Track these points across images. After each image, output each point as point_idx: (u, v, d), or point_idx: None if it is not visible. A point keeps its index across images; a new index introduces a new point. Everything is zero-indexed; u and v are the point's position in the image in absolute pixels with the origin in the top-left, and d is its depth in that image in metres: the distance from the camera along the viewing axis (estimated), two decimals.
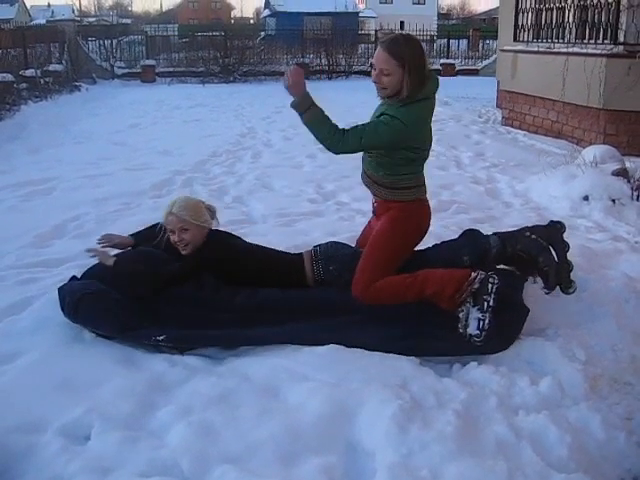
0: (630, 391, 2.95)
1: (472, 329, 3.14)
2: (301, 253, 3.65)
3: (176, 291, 3.43)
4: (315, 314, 3.33)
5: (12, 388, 2.85)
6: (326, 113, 3.29)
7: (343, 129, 3.27)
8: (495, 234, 3.55)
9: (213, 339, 3.24)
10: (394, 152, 3.32)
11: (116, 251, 3.75)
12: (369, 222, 3.74)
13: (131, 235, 3.86)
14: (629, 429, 2.63)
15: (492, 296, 3.16)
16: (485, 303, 3.16)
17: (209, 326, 3.28)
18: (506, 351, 3.14)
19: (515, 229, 3.59)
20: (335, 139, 3.24)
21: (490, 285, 3.17)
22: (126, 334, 3.21)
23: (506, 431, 2.50)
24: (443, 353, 3.16)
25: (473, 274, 3.22)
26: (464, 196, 6.36)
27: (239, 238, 3.82)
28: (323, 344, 3.09)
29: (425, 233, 3.53)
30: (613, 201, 5.76)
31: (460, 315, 3.20)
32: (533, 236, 3.43)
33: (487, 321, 3.13)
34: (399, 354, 3.06)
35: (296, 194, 6.51)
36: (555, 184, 6.26)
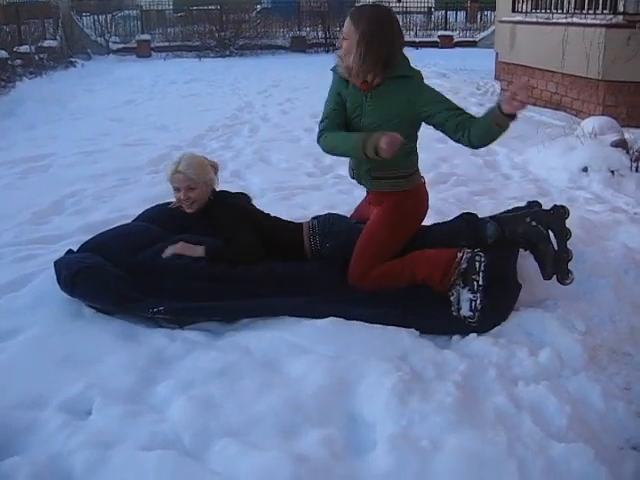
0: (629, 361, 2.96)
1: (465, 310, 3.14)
2: (301, 224, 3.64)
3: (174, 263, 3.42)
4: (314, 288, 3.33)
5: (12, 364, 2.85)
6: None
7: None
8: (494, 218, 3.45)
9: (212, 310, 3.24)
10: (418, 131, 3.30)
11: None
12: (364, 199, 3.70)
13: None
14: (628, 399, 2.65)
15: (481, 275, 3.14)
16: (475, 283, 3.13)
17: (208, 298, 3.27)
18: (505, 322, 3.14)
19: (516, 212, 3.50)
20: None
21: (477, 263, 3.15)
22: (124, 306, 3.20)
23: (505, 402, 2.50)
24: (441, 331, 3.15)
25: (459, 254, 3.19)
26: (463, 168, 6.35)
27: (243, 197, 3.81)
28: (322, 317, 3.09)
29: (423, 218, 3.49)
30: (612, 172, 5.74)
31: (452, 298, 3.19)
32: (533, 223, 3.35)
33: (479, 301, 3.12)
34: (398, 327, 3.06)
35: (294, 168, 6.49)
36: (554, 156, 6.24)
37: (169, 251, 3.41)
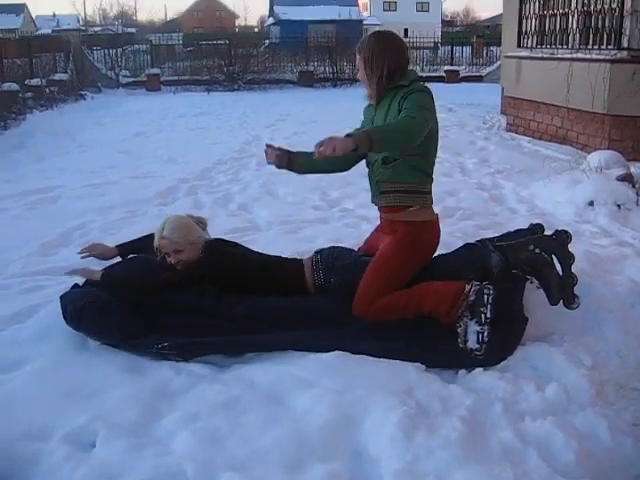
0: (637, 397, 2.94)
1: (472, 343, 3.12)
2: (301, 260, 3.64)
3: (178, 300, 3.43)
4: (316, 322, 3.32)
5: (17, 396, 2.85)
6: (379, 126, 3.25)
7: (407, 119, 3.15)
8: (498, 245, 3.45)
9: (215, 346, 3.24)
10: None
11: (101, 264, 3.76)
12: (375, 230, 3.71)
13: (116, 246, 3.87)
14: (636, 435, 2.62)
15: (489, 307, 3.13)
16: (482, 315, 3.12)
17: (211, 334, 3.27)
18: (511, 357, 3.12)
19: (519, 239, 3.49)
20: (409, 122, 3.12)
21: (486, 296, 3.14)
22: (128, 343, 3.21)
23: (512, 437, 2.49)
24: (445, 365, 3.14)
25: (467, 286, 3.19)
26: (469, 202, 6.36)
27: (236, 245, 3.81)
28: (326, 351, 3.08)
29: (434, 252, 3.51)
30: (618, 206, 5.75)
31: (459, 330, 3.17)
32: (537, 250, 3.35)
33: (486, 333, 3.10)
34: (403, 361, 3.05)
35: (301, 201, 6.51)
36: (560, 190, 6.26)
37: (71, 271, 3.55)
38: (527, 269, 3.38)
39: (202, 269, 3.51)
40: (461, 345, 3.14)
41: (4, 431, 2.57)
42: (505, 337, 3.19)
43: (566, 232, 3.41)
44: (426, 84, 3.33)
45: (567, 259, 3.35)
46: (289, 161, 3.63)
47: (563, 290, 3.29)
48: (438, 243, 3.51)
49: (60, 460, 2.41)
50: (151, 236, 3.66)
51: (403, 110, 3.19)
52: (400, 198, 3.37)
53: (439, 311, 3.22)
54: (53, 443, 2.51)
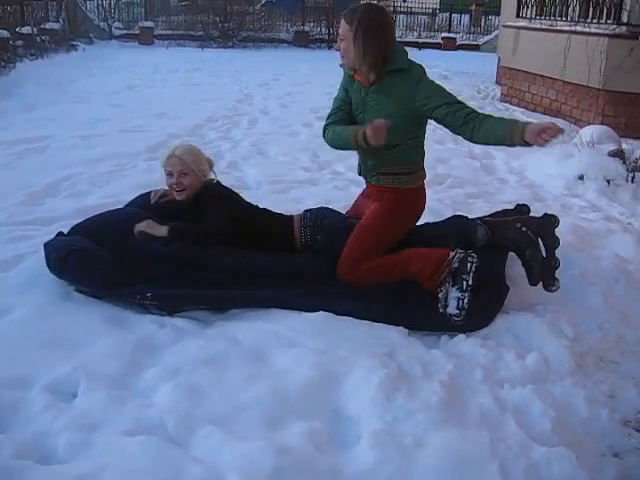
0: (615, 369, 2.98)
1: (451, 309, 3.15)
2: (292, 216, 3.64)
3: (162, 251, 3.42)
4: (301, 281, 3.33)
5: (1, 344, 2.85)
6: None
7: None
8: (485, 222, 3.47)
9: (199, 299, 3.24)
10: (422, 126, 3.33)
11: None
12: (362, 193, 3.71)
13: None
14: (612, 407, 2.66)
15: (471, 275, 3.15)
16: (464, 282, 3.15)
17: (195, 287, 3.27)
18: (494, 325, 3.16)
19: (507, 217, 3.52)
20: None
21: (469, 264, 3.16)
22: (111, 291, 3.21)
23: (491, 403, 2.52)
24: (426, 328, 3.17)
25: (452, 253, 3.21)
26: (459, 170, 6.36)
27: (234, 192, 3.81)
28: (310, 310, 3.10)
29: (419, 217, 3.52)
30: (608, 182, 5.77)
31: (440, 295, 3.20)
32: (523, 228, 3.37)
33: (466, 300, 3.13)
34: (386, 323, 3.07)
35: (291, 162, 6.48)
36: (551, 162, 6.26)
37: (136, 229, 3.42)
38: (511, 247, 3.40)
39: (200, 205, 3.53)
40: (441, 310, 3.17)
41: None
42: (485, 305, 3.23)
43: (554, 216, 3.44)
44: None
45: (552, 242, 3.37)
46: None
47: (544, 272, 3.32)
48: (424, 209, 3.52)
49: (41, 409, 2.42)
50: None
51: (434, 99, 3.21)
52: (398, 180, 3.38)
53: (422, 275, 3.24)
54: (34, 392, 2.52)
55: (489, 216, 3.67)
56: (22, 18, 16.50)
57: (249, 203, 3.77)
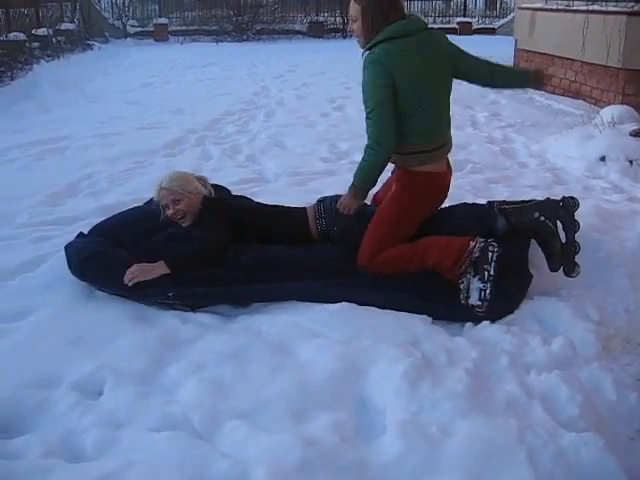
0: None
1: (474, 299, 3.12)
2: (304, 207, 3.63)
3: (182, 250, 3.43)
4: (321, 273, 3.32)
5: (26, 344, 2.88)
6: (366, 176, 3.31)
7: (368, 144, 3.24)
8: (503, 210, 3.39)
9: (220, 296, 3.24)
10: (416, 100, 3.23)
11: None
12: (389, 178, 3.69)
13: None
14: None
15: (492, 265, 3.11)
16: (486, 273, 3.12)
17: (216, 284, 3.27)
18: (518, 310, 3.13)
19: (525, 204, 3.43)
20: (374, 149, 3.22)
21: (490, 254, 3.13)
22: (133, 293, 3.21)
23: (517, 390, 2.49)
24: (449, 318, 3.14)
25: (472, 243, 3.17)
26: (479, 156, 6.30)
27: (236, 197, 3.81)
28: (333, 302, 3.09)
29: (438, 204, 3.47)
30: (630, 162, 5.68)
31: (461, 286, 3.17)
32: (542, 218, 3.30)
33: (488, 291, 3.10)
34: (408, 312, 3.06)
35: (309, 153, 6.46)
36: (571, 144, 6.18)
37: (127, 278, 3.20)
38: (531, 234, 3.36)
39: (206, 221, 3.49)
40: (463, 301, 3.14)
41: (13, 379, 2.60)
42: (508, 295, 3.19)
43: (573, 199, 3.35)
44: (384, 47, 3.17)
45: (572, 227, 3.30)
46: None
47: (565, 258, 3.27)
48: (445, 195, 3.47)
49: (68, 407, 2.44)
50: None
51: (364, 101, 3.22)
52: (406, 159, 3.33)
53: (443, 266, 3.21)
54: (61, 391, 2.54)
55: (509, 203, 3.60)
56: (37, 20, 16.60)
57: (257, 203, 3.76)
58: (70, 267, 3.36)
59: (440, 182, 3.41)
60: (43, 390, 2.54)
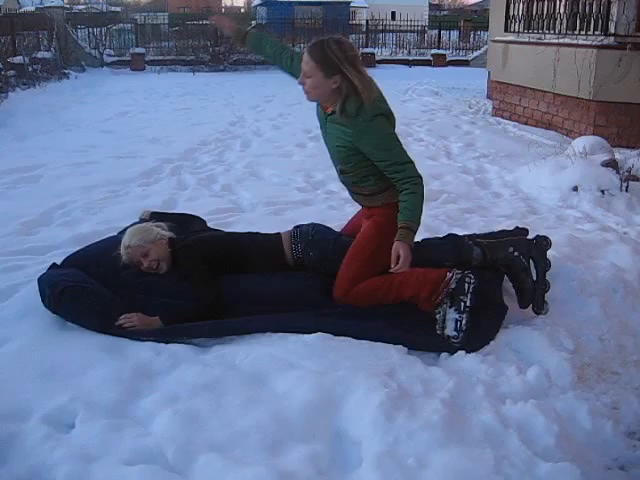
0: (617, 380, 2.96)
1: (450, 330, 3.13)
2: (279, 233, 3.62)
3: (157, 283, 3.40)
4: (296, 305, 3.30)
5: None
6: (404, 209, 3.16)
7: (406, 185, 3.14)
8: (478, 243, 3.44)
9: (196, 331, 3.19)
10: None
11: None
12: (357, 213, 3.70)
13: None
14: (616, 418, 2.64)
15: (469, 296, 3.14)
16: (462, 304, 3.14)
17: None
18: (494, 340, 3.13)
19: (500, 239, 3.49)
20: (420, 190, 3.14)
21: (467, 285, 3.15)
22: (106, 327, 3.16)
23: (493, 420, 2.49)
24: (425, 348, 3.13)
25: (449, 274, 3.19)
26: (454, 186, 6.36)
27: (205, 230, 3.79)
28: (306, 332, 3.07)
29: None
30: (602, 192, 5.77)
31: (437, 317, 3.19)
32: (516, 253, 3.37)
33: (464, 322, 3.12)
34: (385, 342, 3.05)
35: (285, 183, 6.48)
36: (545, 174, 6.27)
37: (122, 321, 3.19)
38: (503, 269, 3.40)
39: (182, 263, 3.47)
40: (439, 332, 3.15)
41: None
42: (484, 326, 3.20)
43: (546, 238, 3.43)
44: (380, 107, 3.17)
45: (543, 266, 3.37)
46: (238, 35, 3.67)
47: (535, 296, 3.32)
48: None
49: (39, 441, 2.39)
50: None
51: (370, 154, 3.13)
52: (370, 199, 3.37)
53: (419, 297, 3.22)
54: (32, 423, 2.49)
55: (485, 235, 3.66)
56: (14, 48, 16.59)
57: (228, 233, 3.75)
58: (43, 301, 3.31)
59: None
60: (14, 422, 2.49)
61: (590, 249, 4.15)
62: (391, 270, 3.09)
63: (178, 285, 3.41)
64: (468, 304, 3.13)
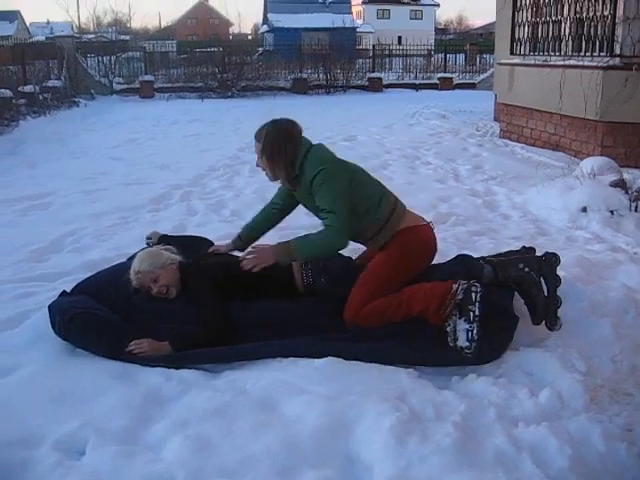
0: (630, 402, 2.92)
1: (462, 341, 3.13)
2: None
3: (166, 309, 3.41)
4: (306, 330, 3.31)
5: (8, 401, 2.83)
6: (301, 235, 3.46)
7: (319, 231, 3.36)
8: (489, 262, 3.47)
9: (206, 357, 3.20)
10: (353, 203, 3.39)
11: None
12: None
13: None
14: (630, 440, 2.60)
15: (477, 305, 3.13)
16: (471, 313, 3.13)
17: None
18: (505, 362, 3.12)
19: (510, 257, 3.53)
20: (330, 238, 3.31)
21: (474, 294, 3.15)
22: (116, 354, 3.17)
23: (505, 443, 2.47)
24: (435, 364, 3.14)
25: (454, 286, 3.20)
26: (462, 208, 6.36)
27: (214, 256, 3.80)
28: (318, 357, 3.07)
29: (429, 260, 3.54)
30: (611, 212, 5.75)
31: (448, 329, 3.18)
32: (526, 269, 3.38)
33: (475, 331, 3.11)
34: (393, 364, 3.05)
35: None
36: (553, 196, 6.26)
37: (132, 347, 3.21)
38: (514, 286, 3.41)
39: (192, 286, 3.48)
40: (451, 344, 3.14)
41: None
42: (496, 335, 3.20)
43: (555, 255, 3.44)
44: (323, 156, 3.44)
45: (554, 282, 3.38)
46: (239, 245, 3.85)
47: (547, 312, 3.32)
48: (434, 250, 3.53)
49: (49, 467, 2.39)
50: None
51: (320, 205, 3.34)
52: (374, 242, 3.47)
53: (428, 311, 3.23)
54: (43, 450, 2.49)
55: (493, 256, 3.67)
56: (24, 77, 16.80)
57: (238, 258, 3.76)
58: (54, 328, 3.33)
59: (426, 234, 3.50)
60: (25, 449, 2.49)
61: (600, 270, 4.14)
62: (240, 259, 3.42)
63: (187, 311, 3.42)
64: (477, 313, 3.12)
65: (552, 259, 3.42)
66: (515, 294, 3.45)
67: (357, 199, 3.38)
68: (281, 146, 3.42)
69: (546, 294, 3.35)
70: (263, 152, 3.46)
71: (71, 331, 3.26)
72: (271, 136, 3.46)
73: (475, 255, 3.79)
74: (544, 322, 3.33)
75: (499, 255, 3.68)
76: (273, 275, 3.52)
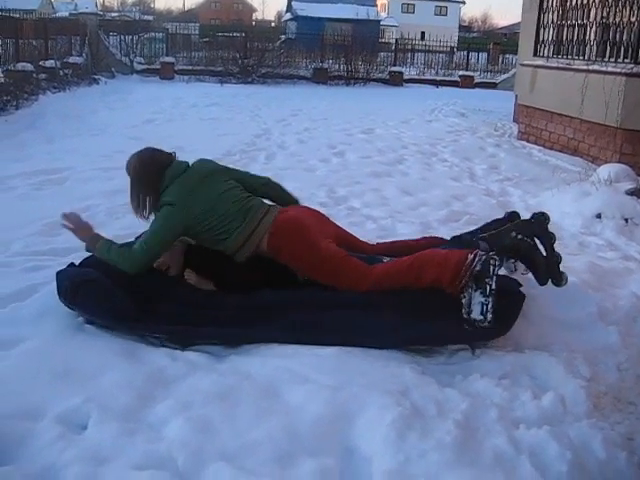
0: (633, 411, 2.92)
1: (476, 314, 3.11)
2: None
3: (171, 292, 3.44)
4: (310, 310, 3.33)
5: (11, 374, 2.85)
6: (113, 242, 3.64)
7: (130, 247, 3.54)
8: (482, 238, 3.45)
9: (211, 335, 3.23)
10: (202, 232, 3.53)
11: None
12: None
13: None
14: (630, 449, 2.60)
15: (494, 279, 3.11)
16: (488, 286, 3.10)
17: (206, 323, 3.27)
18: (510, 364, 3.11)
19: (500, 228, 3.52)
20: (126, 262, 3.45)
21: (492, 267, 3.12)
22: (123, 324, 3.20)
23: (505, 444, 2.47)
24: (438, 343, 3.15)
25: (470, 256, 3.16)
26: (476, 207, 6.33)
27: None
28: (321, 338, 3.11)
29: (306, 223, 3.59)
30: (626, 220, 5.72)
31: (463, 301, 3.16)
32: (519, 236, 3.38)
33: (490, 305, 3.09)
34: (396, 348, 3.10)
35: (307, 197, 6.46)
36: (568, 200, 6.23)
37: (188, 276, 3.59)
38: (512, 255, 3.41)
39: (195, 262, 3.56)
40: (465, 316, 3.13)
41: None
42: (503, 312, 3.18)
43: (543, 214, 3.50)
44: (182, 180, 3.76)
45: (549, 239, 3.43)
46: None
47: (550, 270, 3.35)
48: (292, 214, 3.67)
49: (50, 440, 2.40)
50: None
51: (147, 230, 3.58)
52: (222, 244, 3.58)
53: (441, 282, 3.21)
54: (44, 423, 2.50)
55: (480, 229, 3.68)
56: (46, 52, 16.85)
57: None
58: (59, 293, 3.34)
59: (280, 216, 3.64)
60: (26, 421, 2.51)
61: (611, 277, 4.12)
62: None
63: (192, 294, 3.48)
64: (494, 287, 3.10)
65: (541, 218, 3.47)
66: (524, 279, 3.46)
67: (211, 224, 3.52)
68: (142, 177, 3.69)
69: (544, 254, 3.37)
70: (131, 180, 3.74)
71: (78, 297, 3.27)
72: (133, 168, 3.78)
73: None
74: (550, 281, 3.35)
75: (488, 227, 3.66)
76: (275, 264, 3.54)
